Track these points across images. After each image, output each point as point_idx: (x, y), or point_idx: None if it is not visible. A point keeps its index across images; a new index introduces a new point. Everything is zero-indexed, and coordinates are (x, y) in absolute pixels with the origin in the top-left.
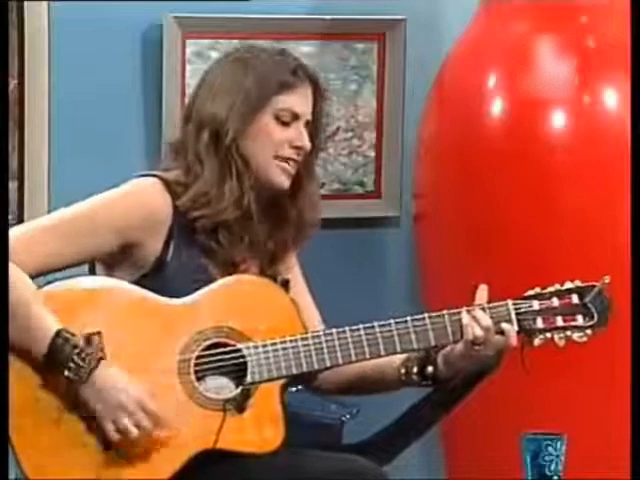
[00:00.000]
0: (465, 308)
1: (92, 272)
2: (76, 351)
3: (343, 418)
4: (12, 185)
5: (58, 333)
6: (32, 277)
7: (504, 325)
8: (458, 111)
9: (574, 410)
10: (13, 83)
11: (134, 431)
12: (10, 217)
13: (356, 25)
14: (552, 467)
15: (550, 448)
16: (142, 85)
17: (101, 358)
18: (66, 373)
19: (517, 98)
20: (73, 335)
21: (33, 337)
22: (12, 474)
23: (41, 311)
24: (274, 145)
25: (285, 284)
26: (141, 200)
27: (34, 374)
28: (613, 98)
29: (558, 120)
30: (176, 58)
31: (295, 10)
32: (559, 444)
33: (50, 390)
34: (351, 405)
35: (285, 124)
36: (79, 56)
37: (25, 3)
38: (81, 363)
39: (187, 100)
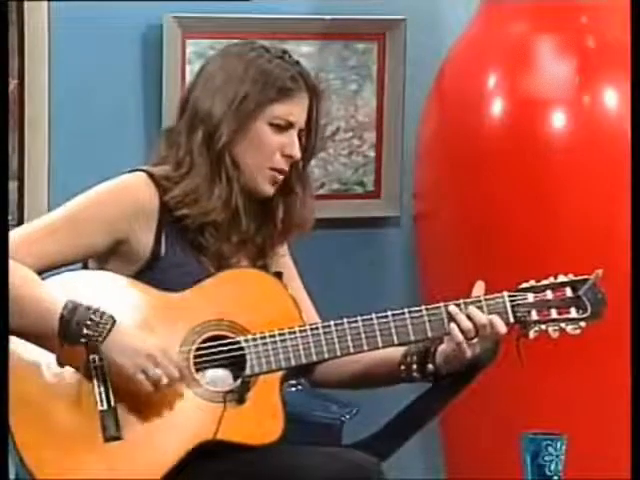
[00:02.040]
0: (462, 300)
1: (85, 267)
2: (91, 311)
3: (343, 418)
4: (12, 185)
5: (67, 302)
6: None
7: (490, 316)
8: (458, 111)
9: (574, 410)
10: (13, 83)
11: (165, 379)
12: (10, 217)
13: (356, 25)
14: (552, 467)
15: (550, 448)
16: (142, 85)
17: (114, 319)
18: (85, 331)
19: (517, 98)
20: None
21: (43, 317)
22: (12, 474)
23: (47, 292)
24: (266, 153)
25: (278, 277)
26: (127, 193)
27: (39, 366)
28: (613, 98)
29: (558, 120)
30: (176, 58)
31: (295, 10)
32: (559, 444)
33: (51, 381)
34: (351, 405)
35: (279, 130)
36: (79, 56)
37: (25, 3)
38: (98, 319)
39: (185, 89)
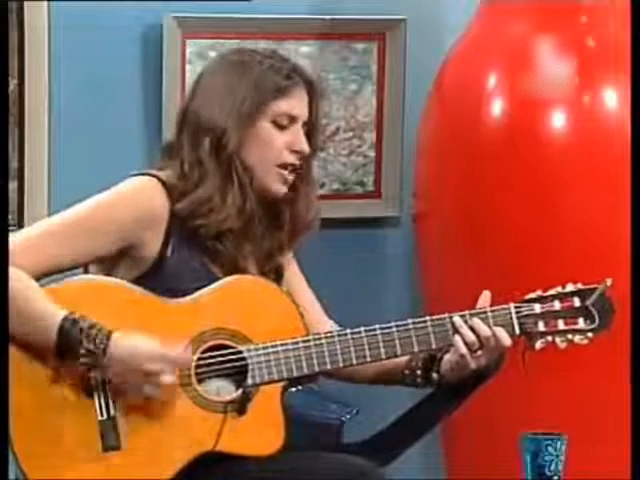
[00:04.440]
0: (467, 312)
1: (86, 272)
2: (85, 332)
3: (343, 418)
4: (12, 185)
5: (65, 318)
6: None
7: (495, 329)
8: (458, 111)
9: (574, 410)
10: (13, 83)
11: (171, 381)
12: (10, 217)
13: (356, 25)
14: (552, 467)
15: (550, 448)
16: (142, 85)
17: (110, 333)
18: (82, 360)
19: (517, 98)
20: (80, 317)
21: (41, 329)
22: (12, 474)
23: (44, 304)
24: (274, 152)
25: (278, 274)
26: (138, 199)
27: (39, 373)
28: (613, 98)
29: (558, 120)
30: (176, 58)
31: (295, 10)
32: (559, 444)
33: (51, 387)
34: (351, 405)
35: (283, 128)
36: (79, 56)
37: (25, 3)
38: (92, 347)
39: (181, 103)
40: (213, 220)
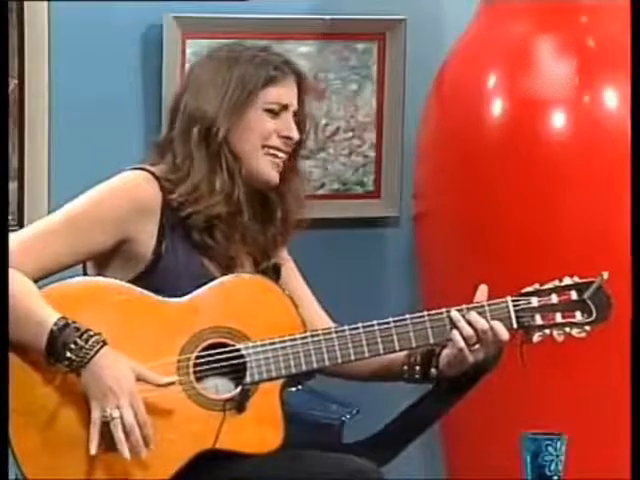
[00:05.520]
0: (465, 306)
1: (84, 274)
2: (78, 333)
3: (343, 418)
4: (12, 185)
5: (59, 319)
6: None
7: (492, 323)
8: (458, 111)
9: (574, 410)
10: (13, 83)
11: (118, 425)
12: (10, 217)
13: (356, 25)
14: (552, 467)
15: (550, 448)
16: (142, 85)
17: (104, 343)
18: (68, 354)
19: (517, 98)
20: (74, 322)
21: (34, 331)
22: (12, 474)
23: (41, 306)
24: (263, 135)
25: (276, 270)
26: (131, 189)
27: (35, 372)
28: (613, 98)
29: (558, 120)
30: (176, 58)
31: (295, 10)
32: (559, 444)
33: (51, 388)
34: (351, 405)
35: (274, 115)
36: (79, 56)
37: (25, 3)
38: (84, 344)
39: (172, 99)
40: (202, 207)
